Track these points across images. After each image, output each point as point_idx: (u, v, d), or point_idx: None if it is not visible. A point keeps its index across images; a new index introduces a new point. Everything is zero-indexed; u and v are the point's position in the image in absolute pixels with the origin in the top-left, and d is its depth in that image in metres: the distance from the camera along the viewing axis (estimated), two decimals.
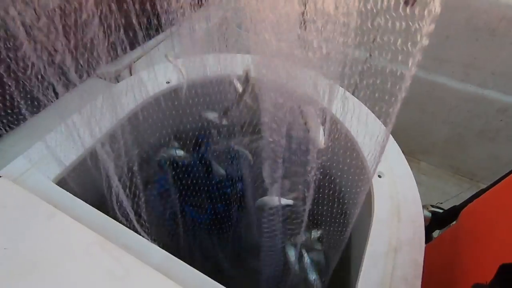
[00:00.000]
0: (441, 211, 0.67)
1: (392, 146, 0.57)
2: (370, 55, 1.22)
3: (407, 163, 0.54)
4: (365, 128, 0.56)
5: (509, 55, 1.03)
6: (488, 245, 0.38)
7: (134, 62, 0.80)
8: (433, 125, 1.31)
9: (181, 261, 0.40)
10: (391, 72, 0.36)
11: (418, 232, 0.45)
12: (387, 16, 0.35)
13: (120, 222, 0.42)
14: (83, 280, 0.32)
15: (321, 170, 0.47)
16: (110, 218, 0.43)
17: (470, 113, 1.21)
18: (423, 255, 0.42)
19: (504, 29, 1.00)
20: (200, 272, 0.40)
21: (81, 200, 0.44)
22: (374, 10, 0.36)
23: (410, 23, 0.32)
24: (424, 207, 0.68)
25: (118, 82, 0.76)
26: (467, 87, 1.16)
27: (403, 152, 1.59)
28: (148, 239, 0.41)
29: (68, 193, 0.45)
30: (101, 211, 0.44)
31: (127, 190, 0.48)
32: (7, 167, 0.47)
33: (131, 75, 0.77)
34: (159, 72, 0.65)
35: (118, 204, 0.46)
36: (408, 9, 0.35)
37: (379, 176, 0.51)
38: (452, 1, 1.02)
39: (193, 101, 0.61)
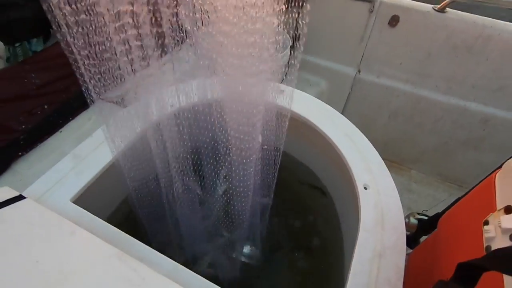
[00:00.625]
0: (426, 218, 0.73)
1: (377, 160, 0.62)
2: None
3: (390, 175, 0.60)
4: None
5: (486, 70, 1.11)
6: (457, 248, 0.43)
7: (138, 86, 0.85)
8: (421, 135, 1.37)
9: (189, 270, 0.45)
10: None
11: (400, 239, 0.50)
12: None
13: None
14: None
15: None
16: (124, 233, 0.48)
17: (455, 123, 1.28)
18: (404, 260, 0.48)
19: (480, 46, 1.08)
20: (206, 280, 0.44)
21: (97, 217, 0.49)
22: None
23: None
24: (411, 214, 0.74)
25: (124, 105, 0.81)
26: (450, 99, 1.23)
27: (394, 161, 1.65)
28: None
29: (85, 211, 0.50)
30: (115, 225, 0.49)
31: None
32: (29, 189, 0.52)
33: (135, 99, 0.82)
34: (163, 95, 0.71)
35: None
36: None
37: (365, 188, 0.57)
38: (432, 21, 1.10)
39: (194, 124, 0.66)
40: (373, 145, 1.55)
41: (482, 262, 0.28)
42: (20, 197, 0.47)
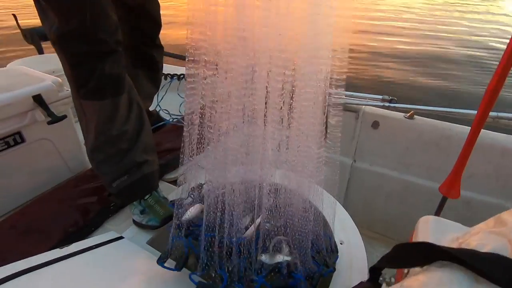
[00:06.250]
0: None
1: (350, 224, 0.88)
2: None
3: (359, 234, 0.84)
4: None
5: (454, 161, 1.38)
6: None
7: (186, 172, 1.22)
8: (417, 215, 1.56)
9: None
10: None
11: (362, 276, 0.72)
12: None
13: None
14: None
15: None
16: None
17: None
18: None
19: (445, 143, 1.39)
20: None
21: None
22: None
23: None
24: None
25: (178, 184, 1.16)
26: (433, 184, 1.47)
27: (398, 240, 1.86)
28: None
29: (154, 249, 0.78)
30: None
31: None
32: (123, 233, 0.82)
33: (185, 181, 1.17)
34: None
35: None
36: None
37: (341, 243, 0.81)
38: (404, 125, 1.46)
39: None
40: (375, 223, 1.77)
41: (378, 264, 0.52)
42: (121, 237, 0.77)
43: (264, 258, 0.71)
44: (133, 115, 0.86)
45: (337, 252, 0.79)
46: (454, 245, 0.50)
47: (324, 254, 0.77)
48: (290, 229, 0.77)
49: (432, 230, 0.67)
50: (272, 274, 0.70)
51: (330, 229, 0.85)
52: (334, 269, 0.72)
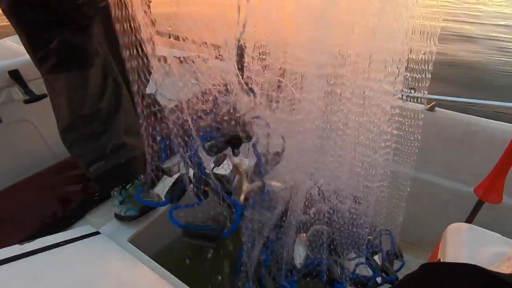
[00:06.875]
0: None
1: None
2: None
3: None
4: None
5: (479, 159, 1.24)
6: None
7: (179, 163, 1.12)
8: (433, 218, 1.44)
9: None
10: None
11: None
12: None
13: None
14: None
15: None
16: (160, 266, 0.65)
17: (463, 208, 1.35)
18: None
19: (469, 139, 1.24)
20: None
21: (142, 253, 0.68)
22: None
23: None
24: None
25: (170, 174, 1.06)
26: (454, 184, 1.34)
27: (412, 243, 1.69)
28: None
29: (134, 247, 0.69)
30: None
31: None
32: (102, 228, 0.73)
33: (179, 170, 1.08)
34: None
35: None
36: None
37: None
38: (424, 117, 1.31)
39: None
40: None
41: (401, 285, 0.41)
42: (97, 233, 0.68)
43: (300, 251, 0.57)
44: (108, 92, 0.76)
45: (402, 256, 0.66)
46: (505, 267, 0.38)
47: (384, 258, 0.64)
48: (337, 217, 0.62)
49: (466, 241, 0.55)
50: (308, 279, 0.57)
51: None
52: (397, 278, 0.59)
